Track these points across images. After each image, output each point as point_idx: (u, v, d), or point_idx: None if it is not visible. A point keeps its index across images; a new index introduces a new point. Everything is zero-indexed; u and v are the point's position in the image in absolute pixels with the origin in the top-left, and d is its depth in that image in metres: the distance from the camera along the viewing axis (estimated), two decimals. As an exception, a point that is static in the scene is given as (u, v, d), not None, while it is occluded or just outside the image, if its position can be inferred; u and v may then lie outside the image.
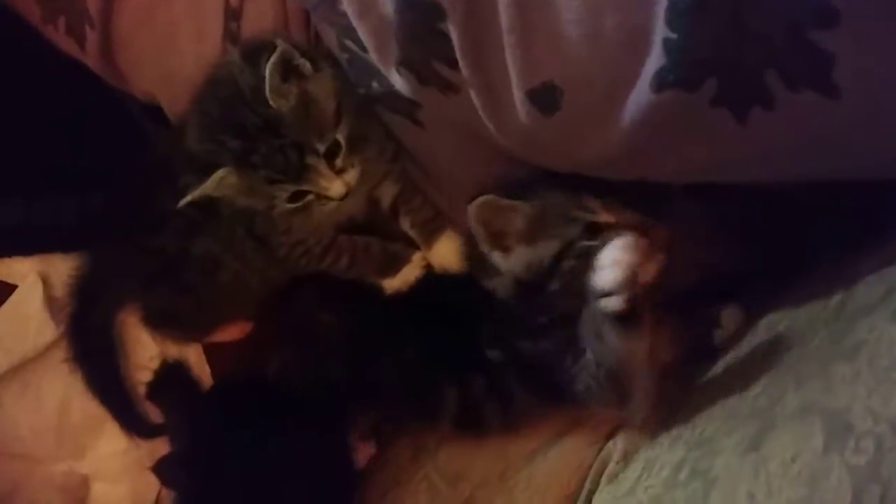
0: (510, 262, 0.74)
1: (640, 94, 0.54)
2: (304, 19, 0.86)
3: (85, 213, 0.98)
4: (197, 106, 0.79)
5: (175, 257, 0.85)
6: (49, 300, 0.96)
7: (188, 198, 0.74)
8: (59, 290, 0.96)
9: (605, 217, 0.70)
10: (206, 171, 0.73)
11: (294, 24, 0.87)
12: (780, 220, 0.74)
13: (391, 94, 0.80)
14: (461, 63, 0.60)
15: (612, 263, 0.58)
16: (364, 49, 0.72)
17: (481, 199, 0.71)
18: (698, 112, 0.53)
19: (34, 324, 0.95)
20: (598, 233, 0.69)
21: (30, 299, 0.95)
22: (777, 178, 0.62)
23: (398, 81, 0.67)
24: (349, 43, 0.73)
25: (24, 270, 0.96)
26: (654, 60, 0.51)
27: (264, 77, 0.70)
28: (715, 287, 0.83)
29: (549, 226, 0.71)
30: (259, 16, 0.86)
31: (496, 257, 0.75)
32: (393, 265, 0.85)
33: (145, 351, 0.98)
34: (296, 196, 0.76)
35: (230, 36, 0.87)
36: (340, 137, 0.75)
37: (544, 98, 0.58)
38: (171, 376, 0.98)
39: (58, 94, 0.97)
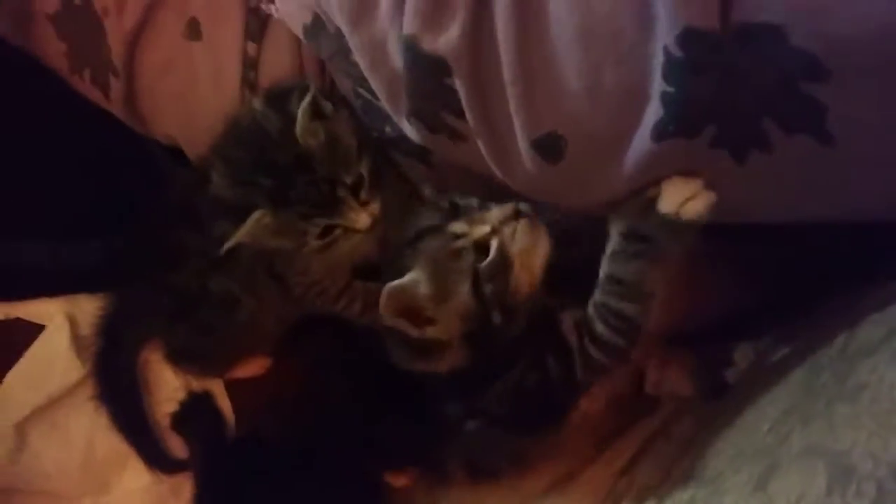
0: (446, 328, 0.70)
1: (642, 144, 0.55)
2: (320, 68, 0.89)
3: (110, 255, 1.01)
4: (221, 153, 0.82)
5: (194, 295, 0.88)
6: (75, 340, 0.99)
7: (230, 243, 0.77)
8: (86, 329, 0.99)
9: (479, 230, 0.70)
10: (240, 214, 0.76)
11: (309, 71, 0.90)
12: (790, 260, 0.75)
13: (404, 139, 0.82)
14: (468, 115, 0.62)
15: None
16: (377, 97, 0.75)
17: (383, 294, 0.68)
18: (699, 154, 0.55)
19: (61, 363, 0.97)
20: (486, 246, 0.69)
21: (57, 339, 0.98)
22: (780, 219, 0.64)
23: (409, 130, 0.70)
24: (362, 91, 0.76)
25: (51, 311, 0.99)
26: (653, 112, 0.53)
27: (291, 118, 0.74)
28: (727, 325, 0.84)
29: (446, 271, 0.69)
30: (276, 64, 0.89)
31: (431, 333, 0.70)
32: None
33: (168, 387, 1.01)
34: (325, 232, 0.79)
35: (248, 84, 0.90)
36: (364, 171, 0.78)
37: (548, 147, 0.60)
38: (197, 407, 1.00)
39: (83, 140, 1.01)
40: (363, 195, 0.79)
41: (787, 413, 0.59)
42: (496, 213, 0.69)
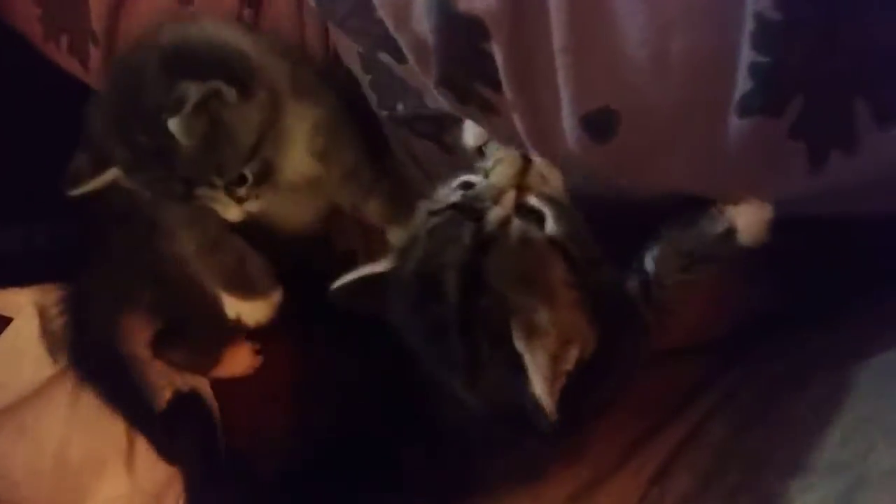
0: (574, 327, 0.57)
1: (716, 121, 0.49)
2: (323, 36, 0.83)
3: (83, 239, 0.92)
4: (109, 85, 0.72)
5: (135, 223, 0.80)
6: (46, 333, 0.90)
7: (80, 189, 0.69)
8: (56, 322, 0.91)
9: (507, 200, 0.58)
10: (100, 159, 0.68)
11: (311, 40, 0.83)
12: (834, 256, 0.70)
13: (418, 118, 0.75)
14: (505, 85, 0.55)
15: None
16: (401, 60, 0.67)
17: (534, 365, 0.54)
18: (776, 142, 0.49)
19: (30, 359, 0.89)
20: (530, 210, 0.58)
21: (25, 333, 0.89)
22: (844, 212, 0.58)
23: (438, 98, 0.63)
24: (384, 55, 0.68)
25: (19, 302, 0.90)
26: (738, 85, 0.47)
27: (177, 98, 0.61)
28: (745, 332, 0.79)
29: (533, 272, 0.57)
30: (274, 32, 0.82)
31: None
32: (244, 286, 0.77)
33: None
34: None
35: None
36: (248, 172, 0.69)
37: (599, 124, 0.53)
38: (185, 408, 0.94)
39: (57, 114, 0.91)
40: (241, 192, 0.69)
41: (862, 422, 0.53)
42: (504, 169, 0.59)
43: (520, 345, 0.51)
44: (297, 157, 0.73)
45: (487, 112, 0.60)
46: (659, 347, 0.75)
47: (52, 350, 0.90)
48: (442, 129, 0.74)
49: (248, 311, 0.78)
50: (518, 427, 0.63)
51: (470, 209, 0.57)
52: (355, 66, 0.77)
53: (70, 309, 0.87)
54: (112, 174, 0.68)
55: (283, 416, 0.89)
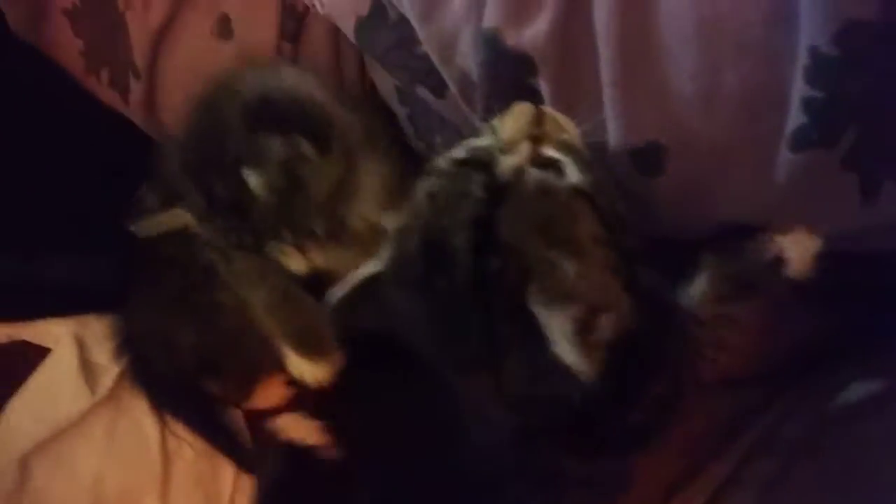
0: (605, 289, 0.48)
1: (767, 155, 0.48)
2: (359, 71, 0.83)
3: (123, 270, 0.93)
4: (189, 124, 0.71)
5: (187, 271, 0.79)
6: (84, 364, 0.90)
7: (145, 228, 0.69)
8: (96, 353, 0.91)
9: (523, 148, 0.50)
10: (170, 201, 0.68)
11: (347, 74, 0.83)
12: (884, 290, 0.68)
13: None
14: None
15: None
16: (440, 95, 0.67)
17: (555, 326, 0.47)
18: (828, 174, 0.48)
19: (68, 391, 0.89)
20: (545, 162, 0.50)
21: (64, 364, 0.90)
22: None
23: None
24: (422, 90, 0.67)
25: (58, 333, 0.91)
26: (791, 119, 0.46)
27: (257, 151, 0.61)
28: (803, 362, 0.77)
29: (556, 220, 0.48)
30: (312, 67, 0.82)
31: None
32: (311, 345, 0.75)
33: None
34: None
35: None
36: (318, 228, 0.68)
37: (648, 158, 0.52)
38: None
39: (97, 146, 0.94)
40: (309, 245, 0.69)
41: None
42: (513, 120, 0.51)
43: (537, 307, 0.44)
44: (367, 211, 0.72)
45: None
46: (704, 381, 0.73)
47: (90, 382, 0.90)
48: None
49: (311, 371, 0.76)
50: (558, 443, 0.58)
51: (478, 163, 0.49)
52: (392, 100, 0.77)
53: (122, 346, 0.87)
54: (180, 217, 0.68)
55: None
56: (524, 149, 0.49)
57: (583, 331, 0.43)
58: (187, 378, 0.87)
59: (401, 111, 0.77)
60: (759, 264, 0.58)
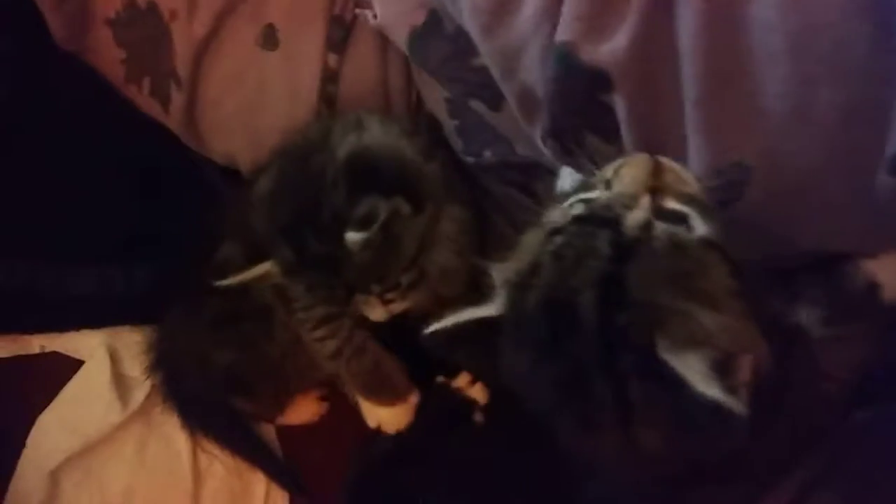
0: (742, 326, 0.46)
1: (861, 179, 0.46)
2: (406, 83, 0.81)
3: (157, 281, 0.92)
4: (281, 166, 0.72)
5: (234, 306, 0.79)
6: (116, 377, 0.89)
7: (227, 282, 0.69)
8: (129, 366, 0.90)
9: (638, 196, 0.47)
10: (253, 250, 0.68)
11: (394, 87, 0.81)
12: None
13: (506, 166, 0.73)
14: (627, 138, 0.53)
15: None
16: (496, 107, 0.65)
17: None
18: None
19: (101, 404, 0.87)
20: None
21: (97, 376, 0.88)
22: None
23: (532, 146, 0.60)
24: (477, 103, 0.66)
25: (92, 344, 0.90)
26: (891, 142, 0.44)
27: (364, 216, 0.61)
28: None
29: (689, 276, 0.46)
30: (359, 78, 0.81)
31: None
32: (379, 391, 0.76)
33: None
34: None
35: (326, 99, 0.82)
36: (404, 281, 0.68)
37: (729, 181, 0.50)
38: None
39: (135, 156, 0.93)
40: (391, 296, 0.69)
41: None
42: (632, 171, 0.49)
43: (666, 354, 0.41)
44: (444, 257, 0.72)
45: (595, 164, 0.58)
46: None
47: (123, 395, 0.88)
48: (532, 177, 0.72)
49: (389, 417, 0.76)
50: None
51: (601, 219, 0.47)
52: (440, 112, 0.76)
53: (156, 353, 0.85)
54: (264, 269, 0.68)
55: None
56: (646, 202, 0.47)
57: (722, 373, 0.42)
58: (218, 395, 0.86)
59: (450, 124, 0.75)
60: (854, 293, 0.55)
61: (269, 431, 0.94)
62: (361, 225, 0.61)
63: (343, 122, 0.72)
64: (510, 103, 0.60)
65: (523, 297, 0.48)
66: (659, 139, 0.52)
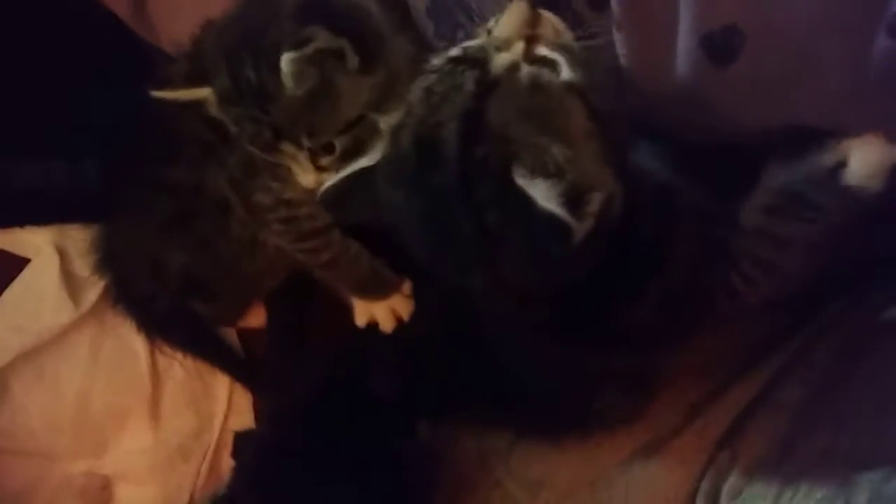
0: (594, 173, 0.48)
1: (860, 42, 0.44)
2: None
3: (104, 176, 0.87)
4: (235, 13, 0.66)
5: (190, 196, 0.75)
6: (66, 276, 0.85)
7: (163, 93, 0.64)
8: (77, 265, 0.85)
9: (516, 47, 0.50)
10: (197, 76, 0.64)
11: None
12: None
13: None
14: (615, 1, 0.49)
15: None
16: None
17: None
18: None
19: (50, 302, 0.84)
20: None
21: (45, 275, 0.84)
22: None
23: None
24: None
25: (38, 242, 0.85)
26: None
27: (301, 39, 0.57)
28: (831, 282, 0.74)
29: (545, 110, 0.48)
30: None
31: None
32: (375, 288, 0.74)
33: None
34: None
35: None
36: (338, 144, 0.64)
37: (722, 45, 0.48)
38: None
39: (81, 45, 0.87)
40: (323, 161, 0.65)
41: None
42: (510, 19, 0.51)
43: (521, 180, 0.44)
44: None
45: (583, 38, 0.54)
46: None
47: (73, 294, 0.84)
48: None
49: (383, 312, 0.73)
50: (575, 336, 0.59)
51: (472, 60, 0.49)
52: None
53: (105, 252, 0.81)
54: (202, 94, 0.63)
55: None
56: (518, 47, 0.49)
57: (573, 202, 0.44)
58: (173, 298, 0.82)
59: (420, 4, 0.71)
60: (819, 172, 0.52)
61: (230, 333, 0.91)
62: (296, 47, 0.57)
63: None
64: None
65: (398, 136, 0.51)
66: (646, 4, 0.49)
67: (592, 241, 0.44)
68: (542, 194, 0.43)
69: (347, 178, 0.55)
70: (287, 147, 0.63)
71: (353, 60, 0.59)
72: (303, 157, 0.64)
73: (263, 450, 0.75)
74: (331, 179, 0.56)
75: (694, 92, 0.52)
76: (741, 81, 0.49)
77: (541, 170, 0.44)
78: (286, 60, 0.56)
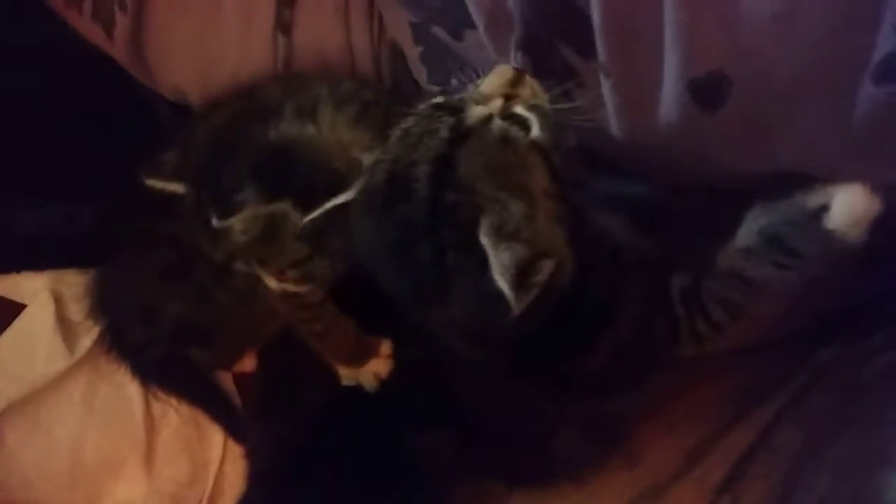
0: (549, 241, 0.51)
1: (845, 89, 0.44)
2: (367, 7, 0.77)
3: (102, 222, 0.87)
4: (228, 123, 0.68)
5: (188, 248, 0.74)
6: (61, 322, 0.84)
7: (151, 182, 0.67)
8: (73, 310, 0.85)
9: (494, 105, 0.53)
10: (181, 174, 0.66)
11: (355, 10, 0.77)
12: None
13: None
14: (601, 46, 0.50)
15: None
16: (456, 36, 0.62)
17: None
18: None
19: (44, 349, 0.83)
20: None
21: (40, 321, 0.84)
22: None
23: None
24: (437, 30, 0.63)
25: (34, 288, 0.85)
26: (878, 47, 0.42)
27: (235, 204, 0.59)
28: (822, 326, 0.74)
29: (507, 167, 0.51)
30: (317, 4, 0.76)
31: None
32: (358, 357, 0.74)
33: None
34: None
35: (281, 26, 0.77)
36: (290, 273, 0.65)
37: (709, 90, 0.48)
38: None
39: (77, 88, 0.87)
40: (284, 280, 0.66)
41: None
42: (494, 78, 0.54)
43: (485, 239, 0.47)
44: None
45: (570, 81, 0.55)
46: (721, 348, 0.70)
47: (68, 339, 0.84)
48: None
49: (366, 374, 0.74)
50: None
51: (451, 108, 0.52)
52: (405, 38, 0.72)
53: (99, 295, 0.81)
54: (177, 189, 0.66)
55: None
56: (496, 103, 0.52)
57: (523, 269, 0.46)
58: (166, 347, 0.82)
59: (414, 51, 0.71)
60: (801, 213, 0.52)
61: (226, 379, 0.90)
62: (224, 211, 0.60)
63: (299, 102, 0.68)
64: (478, 23, 0.57)
65: (374, 171, 0.53)
66: (636, 48, 0.49)
67: (537, 304, 0.47)
68: (497, 261, 0.46)
69: (326, 213, 0.57)
70: (241, 266, 0.65)
71: (296, 216, 0.60)
72: (261, 272, 0.65)
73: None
74: (311, 215, 0.57)
75: (681, 136, 0.52)
76: (729, 126, 0.50)
77: (503, 230, 0.47)
78: (217, 225, 0.60)
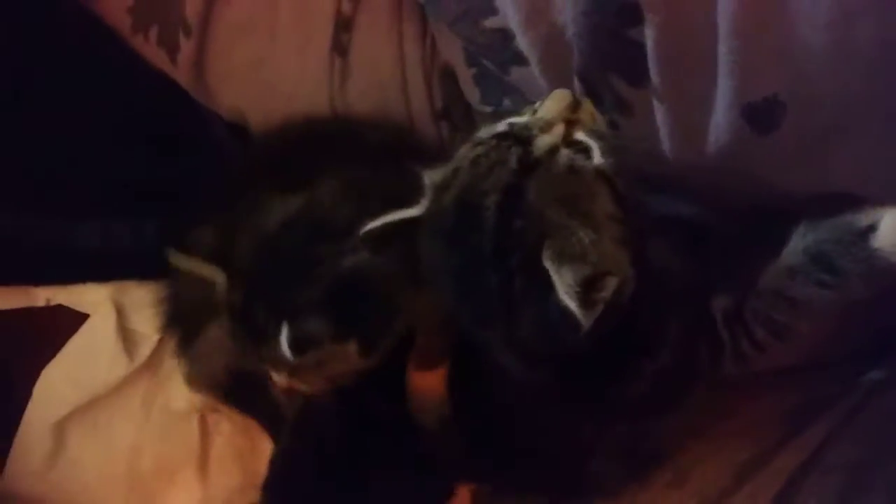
0: (614, 262, 0.52)
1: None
2: (421, 29, 0.80)
3: (164, 237, 0.90)
4: (287, 227, 0.67)
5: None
6: (122, 332, 0.87)
7: (176, 260, 0.69)
8: (134, 320, 0.88)
9: (556, 131, 0.54)
10: (222, 254, 0.68)
11: (409, 33, 0.80)
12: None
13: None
14: (655, 74, 0.51)
15: None
16: (504, 71, 0.64)
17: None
18: None
19: (106, 358, 0.86)
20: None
21: (102, 330, 0.87)
22: None
23: None
24: (486, 63, 0.65)
25: (97, 298, 0.88)
26: None
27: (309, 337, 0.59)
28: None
29: (575, 198, 0.52)
30: (372, 27, 0.80)
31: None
32: None
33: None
34: None
35: (338, 49, 0.80)
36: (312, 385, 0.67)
37: (763, 114, 0.49)
38: None
39: (141, 110, 0.91)
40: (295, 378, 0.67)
41: None
42: (553, 104, 0.56)
43: (548, 262, 0.48)
44: None
45: (619, 111, 0.56)
46: (768, 367, 0.70)
47: (129, 349, 0.87)
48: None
49: None
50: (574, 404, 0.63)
51: (517, 137, 0.54)
52: (458, 60, 0.74)
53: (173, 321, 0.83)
54: (214, 276, 0.67)
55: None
56: (559, 130, 0.54)
57: (588, 287, 0.48)
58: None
59: (467, 72, 0.74)
60: (850, 232, 0.53)
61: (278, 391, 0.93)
62: (297, 346, 0.59)
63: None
64: (530, 56, 0.58)
65: (442, 196, 0.55)
66: (690, 75, 0.51)
67: (604, 319, 0.48)
68: (563, 282, 0.47)
69: (390, 223, 0.57)
70: (264, 366, 0.66)
71: (353, 348, 0.61)
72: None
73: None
74: (372, 224, 0.56)
75: (732, 157, 0.53)
76: (781, 148, 0.50)
77: (567, 255, 0.49)
78: (284, 339, 0.59)
